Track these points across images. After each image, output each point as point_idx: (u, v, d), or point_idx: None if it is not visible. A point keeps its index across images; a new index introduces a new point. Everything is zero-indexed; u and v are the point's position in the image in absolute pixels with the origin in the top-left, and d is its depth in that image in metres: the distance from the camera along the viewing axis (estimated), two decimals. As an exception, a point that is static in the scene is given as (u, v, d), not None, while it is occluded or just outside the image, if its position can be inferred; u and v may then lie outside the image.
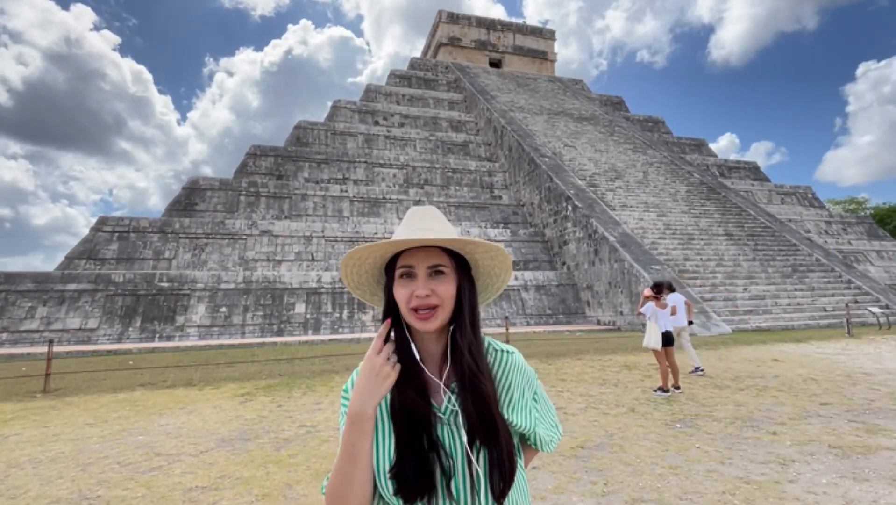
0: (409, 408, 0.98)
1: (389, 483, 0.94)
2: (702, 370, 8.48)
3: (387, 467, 0.96)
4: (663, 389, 6.94)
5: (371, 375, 0.93)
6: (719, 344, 12.27)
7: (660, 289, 7.73)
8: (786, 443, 4.66)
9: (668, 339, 7.33)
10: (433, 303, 0.99)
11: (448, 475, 0.95)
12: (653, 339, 7.34)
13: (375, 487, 0.99)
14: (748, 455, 4.34)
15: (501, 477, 0.96)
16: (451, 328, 1.04)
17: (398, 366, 0.98)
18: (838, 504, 3.34)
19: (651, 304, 7.60)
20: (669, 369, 7.20)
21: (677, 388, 7.10)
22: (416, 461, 0.94)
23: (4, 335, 15.49)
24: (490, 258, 1.10)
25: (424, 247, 1.03)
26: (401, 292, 1.01)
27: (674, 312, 8.03)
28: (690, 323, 9.06)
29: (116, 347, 15.03)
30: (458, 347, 1.02)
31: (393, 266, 1.06)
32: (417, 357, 1.01)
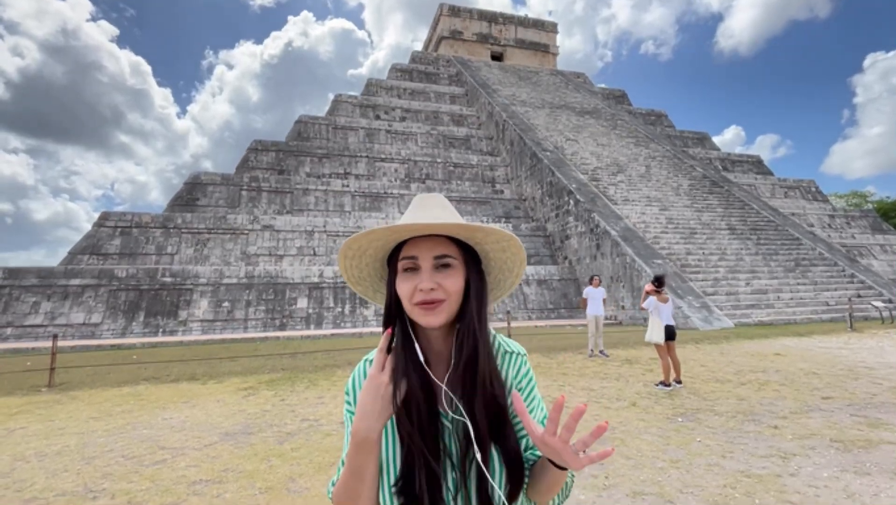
0: (414, 416, 0.90)
1: (395, 497, 0.89)
2: (606, 354, 10.15)
3: (391, 480, 0.89)
4: (665, 384, 6.96)
5: (377, 395, 0.86)
6: (721, 338, 12.27)
7: (660, 283, 7.70)
8: (787, 437, 4.67)
9: (670, 333, 7.30)
10: (438, 297, 0.91)
11: (455, 486, 0.89)
12: (655, 333, 7.32)
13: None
14: (749, 449, 4.35)
15: (511, 482, 0.90)
16: (458, 327, 0.95)
17: (404, 384, 0.90)
18: (839, 498, 3.35)
19: (652, 298, 7.57)
20: (672, 361, 7.19)
21: (678, 382, 7.10)
22: (423, 472, 0.88)
23: (9, 330, 15.58)
24: (502, 249, 1.00)
25: (430, 236, 0.94)
26: (404, 286, 0.93)
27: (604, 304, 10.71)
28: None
29: (120, 341, 15.11)
30: (466, 348, 0.93)
31: (396, 258, 0.97)
32: (422, 359, 0.93)
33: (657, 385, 7.01)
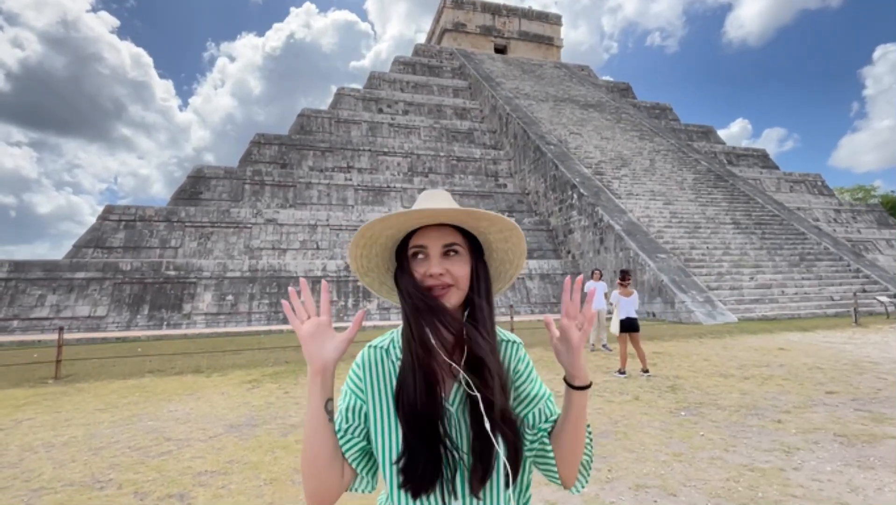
0: (416, 399, 0.93)
1: (397, 475, 0.92)
2: (609, 348, 10.10)
3: (393, 457, 0.93)
4: (621, 371, 7.46)
5: (318, 332, 0.94)
6: (725, 333, 12.24)
7: (623, 276, 8.06)
8: (790, 431, 4.67)
9: (629, 325, 7.63)
10: (447, 282, 0.96)
11: (453, 469, 0.92)
12: (613, 324, 7.75)
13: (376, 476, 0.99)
14: (752, 443, 4.34)
15: (511, 464, 0.94)
16: (465, 313, 1.00)
17: (412, 367, 0.95)
18: (843, 492, 3.35)
19: (615, 292, 7.95)
20: (636, 353, 7.61)
21: (646, 371, 7.40)
22: (424, 454, 0.91)
23: (15, 322, 15.72)
24: (504, 239, 1.05)
25: (437, 227, 0.99)
26: (413, 273, 0.98)
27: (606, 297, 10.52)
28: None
29: (125, 334, 15.22)
30: (473, 333, 0.97)
31: (404, 250, 1.02)
32: (434, 342, 0.95)
33: (616, 373, 7.52)
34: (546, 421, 1.02)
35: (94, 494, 3.54)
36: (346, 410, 1.01)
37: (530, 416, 1.02)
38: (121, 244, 19.07)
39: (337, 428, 0.98)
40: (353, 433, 0.99)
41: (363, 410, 1.00)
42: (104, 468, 4.04)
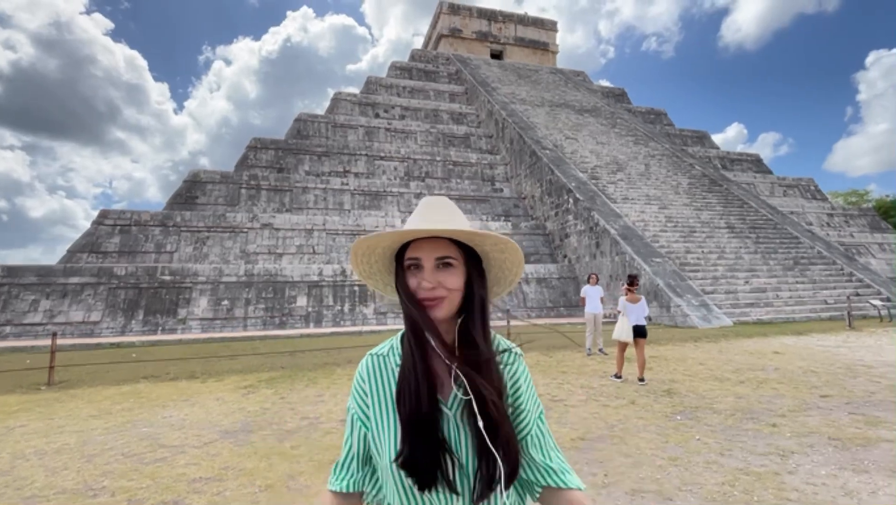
0: (415, 402, 0.96)
1: (398, 472, 0.94)
2: (605, 352, 10.24)
3: (392, 456, 0.95)
4: (617, 376, 7.55)
5: None
6: (720, 336, 12.29)
7: (631, 282, 7.98)
8: (785, 435, 4.69)
9: (638, 331, 7.58)
10: (439, 294, 0.98)
11: (452, 471, 0.94)
12: (623, 332, 7.60)
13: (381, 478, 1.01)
14: (748, 447, 4.36)
15: (508, 466, 0.94)
16: (460, 320, 1.02)
17: (411, 371, 0.98)
18: (837, 495, 3.36)
19: (622, 298, 7.85)
20: (637, 359, 7.54)
21: (642, 379, 7.29)
22: (423, 453, 0.93)
23: (8, 328, 15.57)
24: (500, 251, 1.07)
25: (432, 239, 1.01)
26: (409, 283, 1.01)
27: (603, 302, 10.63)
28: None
29: (119, 339, 15.09)
30: (468, 339, 1.00)
31: (402, 257, 1.04)
32: (430, 348, 0.98)
33: (612, 376, 7.61)
34: (545, 478, 1.02)
35: (87, 501, 3.50)
36: (353, 451, 1.05)
37: (527, 450, 1.03)
38: (116, 249, 18.96)
39: (346, 460, 1.05)
40: (361, 470, 1.05)
41: (367, 436, 1.03)
42: (97, 476, 4.00)
